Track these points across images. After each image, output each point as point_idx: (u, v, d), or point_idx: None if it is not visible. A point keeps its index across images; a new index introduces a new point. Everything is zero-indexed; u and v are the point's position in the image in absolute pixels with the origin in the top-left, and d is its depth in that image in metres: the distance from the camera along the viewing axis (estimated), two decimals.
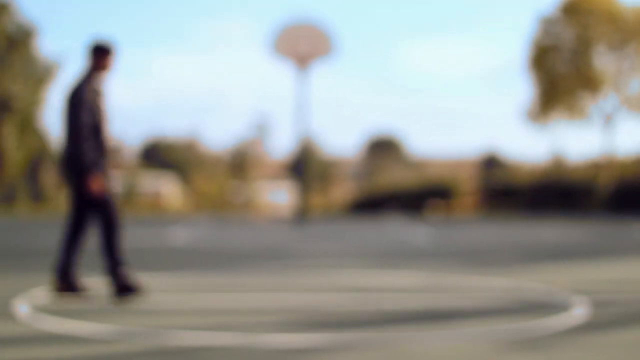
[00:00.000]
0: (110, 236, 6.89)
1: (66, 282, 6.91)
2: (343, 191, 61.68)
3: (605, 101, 38.96)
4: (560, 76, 38.77)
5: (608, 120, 38.64)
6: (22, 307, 6.33)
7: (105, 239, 6.86)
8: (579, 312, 6.21)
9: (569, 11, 38.37)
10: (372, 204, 39.16)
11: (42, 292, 7.29)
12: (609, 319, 6.01)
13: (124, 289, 6.75)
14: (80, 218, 7.06)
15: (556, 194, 34.81)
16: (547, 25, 39.29)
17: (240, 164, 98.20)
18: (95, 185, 6.89)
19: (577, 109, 39.53)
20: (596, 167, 39.96)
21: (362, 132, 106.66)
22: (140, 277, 7.99)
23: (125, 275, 6.80)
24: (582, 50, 38.24)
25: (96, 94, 7.13)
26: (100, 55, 7.23)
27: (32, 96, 32.17)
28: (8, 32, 32.41)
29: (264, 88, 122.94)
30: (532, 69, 39.47)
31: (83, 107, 6.98)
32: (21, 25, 32.91)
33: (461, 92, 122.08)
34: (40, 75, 33.15)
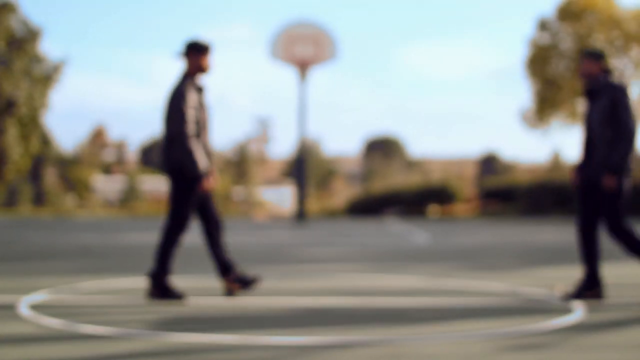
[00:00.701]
0: (173, 238, 7.08)
1: (160, 288, 7.04)
2: (343, 192, 61.61)
3: None
4: (559, 79, 38.73)
5: None
6: (26, 307, 6.42)
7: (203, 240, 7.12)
8: (577, 314, 6.32)
9: (568, 14, 38.26)
10: (372, 205, 39.15)
11: (46, 291, 7.36)
12: (606, 320, 6.12)
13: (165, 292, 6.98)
14: (210, 215, 7.25)
15: (555, 196, 34.88)
16: (546, 28, 39.19)
17: (241, 165, 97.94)
18: (206, 186, 7.08)
19: (575, 112, 39.52)
20: None
21: (362, 134, 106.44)
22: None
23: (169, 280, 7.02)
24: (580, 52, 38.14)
25: (199, 95, 7.15)
26: (198, 55, 7.17)
27: (36, 98, 32.21)
28: (13, 32, 32.41)
29: (265, 90, 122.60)
30: (530, 72, 39.41)
31: (187, 108, 6.97)
32: (26, 25, 32.89)
33: (461, 94, 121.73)
34: (44, 77, 33.18)
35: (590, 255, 7.32)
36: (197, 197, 7.08)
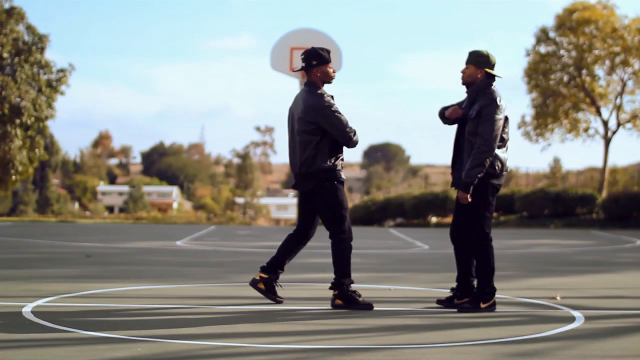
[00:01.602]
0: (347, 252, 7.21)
1: (269, 286, 7.21)
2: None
3: (605, 115, 38.99)
4: (558, 90, 38.76)
5: (606, 134, 38.70)
6: (30, 312, 6.45)
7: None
8: (576, 322, 6.36)
9: (568, 25, 38.26)
10: (373, 213, 39.13)
11: (50, 296, 7.40)
12: (605, 328, 6.15)
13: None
14: (307, 228, 7.38)
15: (554, 204, 34.89)
16: (546, 38, 39.18)
17: (244, 172, 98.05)
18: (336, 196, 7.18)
19: (574, 122, 39.53)
20: (594, 178, 40.09)
21: (363, 142, 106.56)
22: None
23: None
24: (581, 64, 38.18)
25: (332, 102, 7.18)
26: (325, 65, 7.19)
27: (42, 105, 32.30)
28: (19, 38, 32.50)
29: (268, 99, 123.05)
30: (529, 83, 39.44)
31: (334, 113, 7.04)
32: (32, 31, 32.99)
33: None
34: (49, 84, 33.28)
35: (463, 262, 7.27)
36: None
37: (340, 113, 7.12)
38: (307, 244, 7.58)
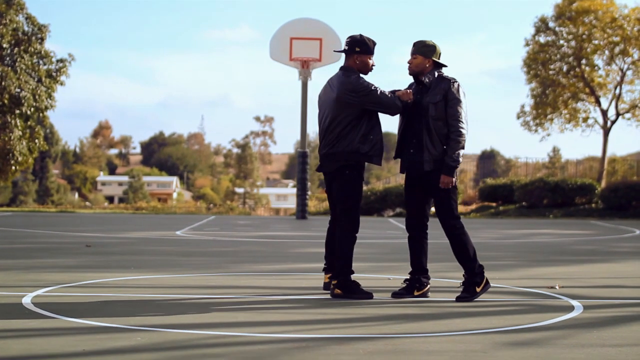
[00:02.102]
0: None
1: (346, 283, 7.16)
2: None
3: (604, 105, 38.97)
4: (558, 80, 38.73)
5: (605, 124, 38.69)
6: (30, 302, 6.48)
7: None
8: (575, 312, 6.38)
9: (567, 14, 38.20)
10: (372, 203, 39.15)
11: (49, 286, 7.42)
12: (604, 317, 6.18)
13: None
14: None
15: (553, 193, 34.91)
16: (545, 28, 39.13)
17: (243, 162, 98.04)
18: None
19: (574, 112, 39.51)
20: (594, 168, 40.11)
21: None
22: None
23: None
24: (580, 54, 38.16)
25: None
26: (368, 55, 7.18)
27: (42, 95, 32.28)
28: (19, 28, 32.46)
29: (268, 90, 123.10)
30: (529, 73, 39.41)
31: (375, 92, 7.05)
32: (32, 21, 32.93)
33: None
34: (49, 75, 33.25)
35: (420, 249, 7.58)
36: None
37: (377, 90, 7.08)
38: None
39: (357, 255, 7.10)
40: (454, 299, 7.09)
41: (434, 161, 7.11)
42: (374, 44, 7.27)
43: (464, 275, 7.23)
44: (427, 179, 7.21)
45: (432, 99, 7.10)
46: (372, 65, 7.29)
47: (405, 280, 7.43)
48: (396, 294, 7.30)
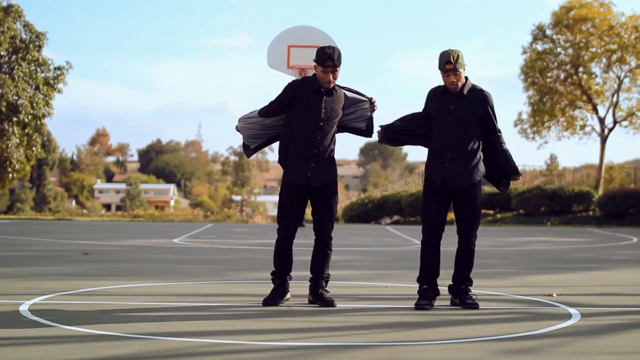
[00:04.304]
0: None
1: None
2: (341, 196, 61.65)
3: (601, 113, 39.01)
4: (555, 87, 38.77)
5: (602, 131, 38.73)
6: (27, 310, 6.46)
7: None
8: (573, 319, 6.37)
9: (565, 22, 38.25)
10: (370, 210, 39.13)
11: (46, 294, 7.41)
12: (602, 325, 6.17)
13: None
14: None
15: (551, 201, 34.92)
16: (542, 35, 39.18)
17: (240, 170, 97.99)
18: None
19: (571, 119, 39.55)
20: (591, 175, 40.14)
21: (360, 139, 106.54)
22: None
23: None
24: (577, 62, 38.20)
25: None
26: (316, 63, 7.00)
27: (39, 103, 32.27)
28: (17, 36, 32.46)
29: (264, 97, 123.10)
30: (526, 80, 39.45)
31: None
32: (30, 29, 32.93)
33: None
34: (47, 82, 33.24)
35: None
36: None
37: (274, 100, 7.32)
38: (298, 242, 7.68)
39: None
40: (460, 307, 7.05)
41: (479, 173, 7.03)
42: (328, 55, 6.87)
43: (463, 287, 7.15)
44: (465, 192, 7.00)
45: (474, 112, 6.95)
46: (325, 76, 6.88)
47: (450, 288, 7.22)
48: (459, 304, 7.12)
